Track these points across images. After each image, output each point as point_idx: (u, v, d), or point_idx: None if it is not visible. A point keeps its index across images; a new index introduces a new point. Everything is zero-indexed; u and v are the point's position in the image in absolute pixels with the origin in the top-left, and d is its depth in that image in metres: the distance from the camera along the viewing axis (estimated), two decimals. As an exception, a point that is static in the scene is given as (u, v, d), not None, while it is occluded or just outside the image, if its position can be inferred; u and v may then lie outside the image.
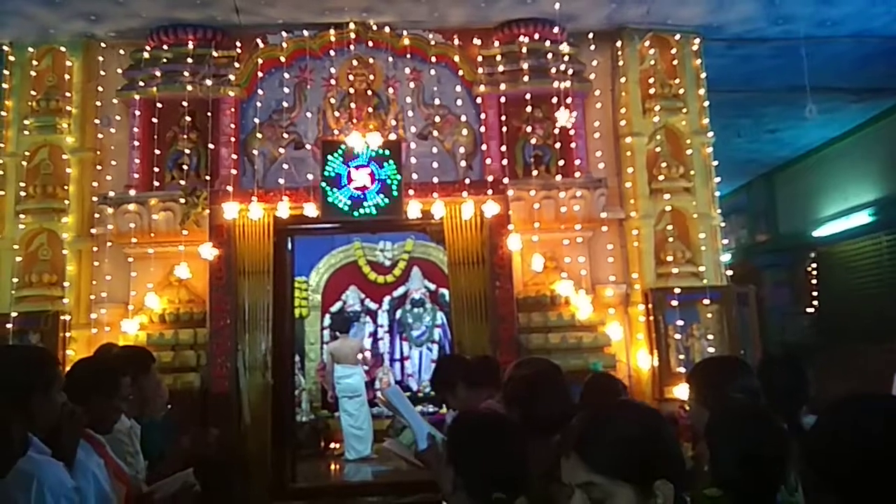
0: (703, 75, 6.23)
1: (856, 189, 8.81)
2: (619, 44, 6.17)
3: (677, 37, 6.18)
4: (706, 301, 5.72)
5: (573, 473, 1.33)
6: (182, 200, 5.57)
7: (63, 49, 6.08)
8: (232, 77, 5.90)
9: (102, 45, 6.11)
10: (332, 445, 8.83)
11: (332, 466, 8.08)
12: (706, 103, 6.19)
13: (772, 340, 9.41)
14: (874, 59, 6.78)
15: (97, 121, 6.03)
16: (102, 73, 6.10)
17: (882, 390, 3.77)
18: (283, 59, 5.97)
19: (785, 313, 10.18)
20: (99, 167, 6.00)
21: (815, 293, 9.80)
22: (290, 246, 6.34)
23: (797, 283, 10.22)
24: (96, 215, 5.82)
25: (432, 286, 10.11)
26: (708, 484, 1.84)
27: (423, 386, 9.63)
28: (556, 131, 5.85)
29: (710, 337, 5.72)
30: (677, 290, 5.70)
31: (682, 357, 5.66)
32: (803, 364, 2.87)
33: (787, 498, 1.95)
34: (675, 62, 6.21)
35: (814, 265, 9.85)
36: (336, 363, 8.49)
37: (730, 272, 6.43)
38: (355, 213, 5.56)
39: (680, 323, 5.69)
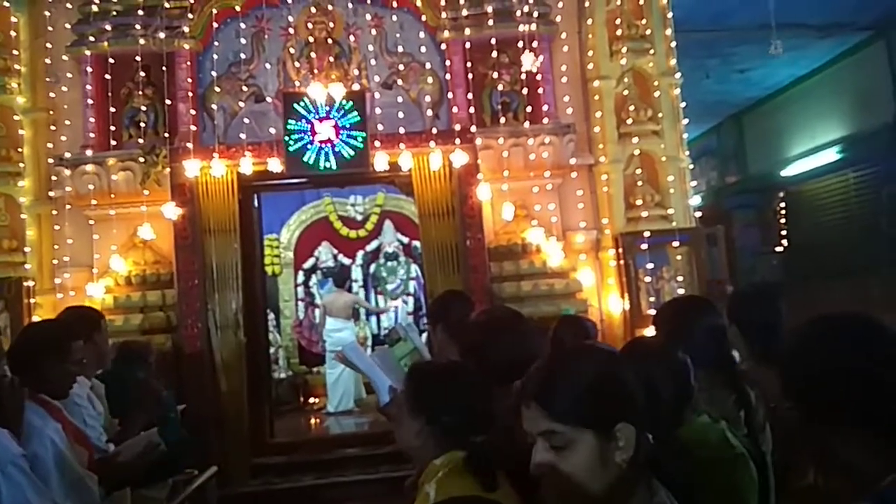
0: (670, 15, 6.12)
1: (823, 127, 8.85)
2: (584, -16, 6.04)
3: (643, -25, 6.06)
4: (675, 243, 5.74)
5: (534, 422, 1.32)
6: (141, 159, 5.42)
7: (7, 4, 5.80)
8: (186, 29, 5.69)
9: (48, -2, 5.85)
10: (312, 400, 8.86)
11: (313, 420, 8.12)
12: (673, 44, 6.10)
13: (742, 280, 9.57)
14: (841, -7, 6.74)
15: (48, 79, 5.80)
16: (50, 28, 5.85)
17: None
18: (238, 8, 5.76)
19: (755, 253, 10.32)
20: (53, 127, 5.81)
21: (784, 232, 9.94)
22: (256, 203, 6.23)
23: (767, 222, 10.35)
24: (53, 177, 5.65)
25: (405, 239, 10.02)
26: None
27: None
28: (523, 77, 5.75)
29: (680, 279, 5.76)
30: (647, 234, 5.71)
31: (652, 300, 5.70)
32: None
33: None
34: (641, 2, 6.09)
35: (783, 204, 9.97)
36: (328, 316, 8.46)
37: (699, 214, 6.45)
38: (320, 167, 5.45)
39: (650, 266, 5.72)
